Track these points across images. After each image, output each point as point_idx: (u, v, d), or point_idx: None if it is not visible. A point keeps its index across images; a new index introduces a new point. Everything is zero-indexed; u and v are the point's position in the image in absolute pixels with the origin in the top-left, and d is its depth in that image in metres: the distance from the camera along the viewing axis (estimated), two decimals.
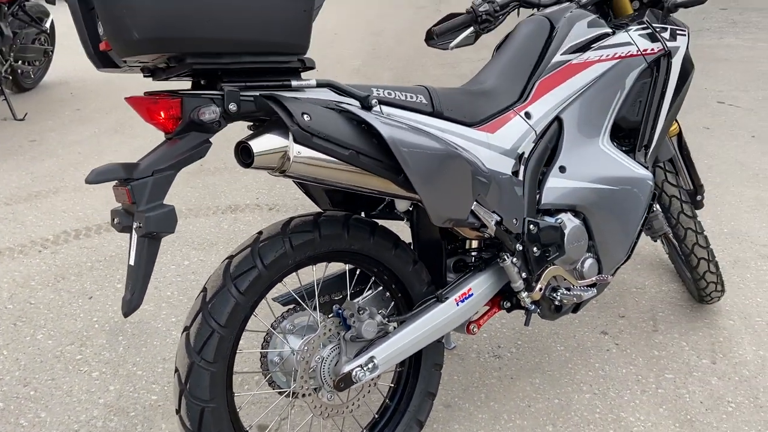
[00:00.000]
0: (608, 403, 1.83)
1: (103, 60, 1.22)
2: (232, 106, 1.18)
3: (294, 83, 1.25)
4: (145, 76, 1.29)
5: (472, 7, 1.78)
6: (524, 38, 1.75)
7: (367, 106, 1.32)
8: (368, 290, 1.57)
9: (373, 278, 1.57)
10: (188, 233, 2.85)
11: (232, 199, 3.22)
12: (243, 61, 1.19)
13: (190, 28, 1.08)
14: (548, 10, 1.82)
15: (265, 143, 1.17)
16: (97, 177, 1.14)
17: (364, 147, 1.24)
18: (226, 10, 1.10)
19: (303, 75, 1.29)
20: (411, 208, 1.62)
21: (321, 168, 1.23)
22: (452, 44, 1.87)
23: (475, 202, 1.42)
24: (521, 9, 1.86)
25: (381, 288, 1.57)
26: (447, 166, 1.33)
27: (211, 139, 1.22)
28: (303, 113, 1.17)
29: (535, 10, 1.86)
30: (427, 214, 1.34)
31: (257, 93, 1.21)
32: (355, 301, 1.51)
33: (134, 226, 1.16)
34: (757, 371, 1.95)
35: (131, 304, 1.19)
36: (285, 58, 1.23)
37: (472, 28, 1.80)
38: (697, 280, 2.11)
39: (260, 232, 1.37)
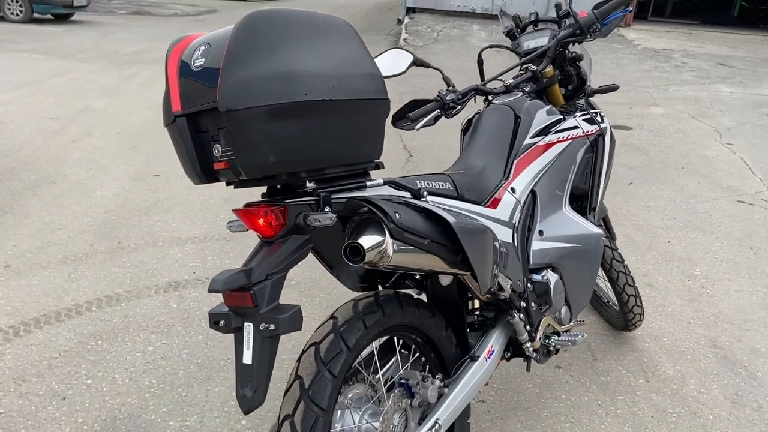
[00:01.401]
0: (585, 428, 2.18)
1: (207, 176, 1.35)
2: (327, 209, 1.36)
3: (368, 183, 1.46)
4: (227, 185, 1.42)
5: (439, 95, 2.05)
6: (495, 124, 2.07)
7: (419, 197, 1.55)
8: (411, 357, 1.77)
9: (413, 345, 1.77)
10: (139, 317, 2.78)
11: (168, 275, 3.18)
12: (338, 171, 1.39)
13: (308, 149, 1.28)
14: (505, 99, 2.16)
15: (369, 241, 1.34)
16: (224, 286, 1.25)
17: (435, 235, 1.47)
18: (332, 133, 1.31)
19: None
20: (425, 280, 1.85)
21: (408, 257, 1.42)
22: (418, 126, 2.16)
23: (497, 270, 1.69)
24: (477, 96, 2.19)
25: (418, 354, 1.77)
26: (487, 243, 1.59)
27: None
28: (395, 212, 1.38)
29: (490, 96, 2.20)
30: (471, 285, 1.59)
31: (347, 196, 1.40)
32: (405, 367, 1.70)
33: (261, 327, 1.28)
34: (681, 384, 2.43)
35: (254, 401, 1.29)
36: (366, 165, 1.45)
37: (437, 112, 2.09)
38: (626, 312, 2.57)
39: (335, 317, 1.51)
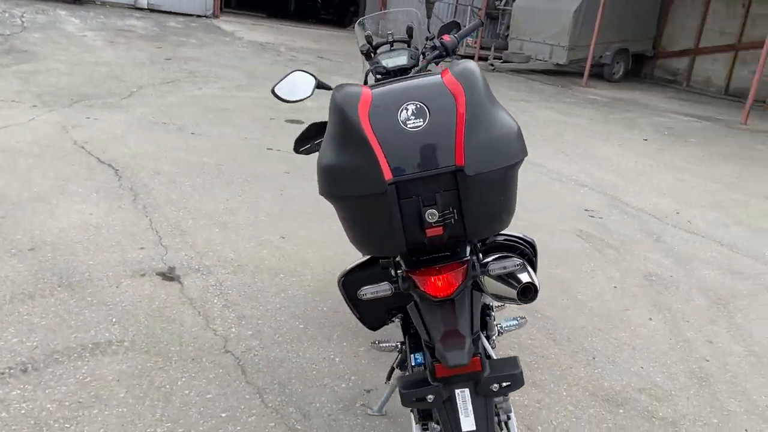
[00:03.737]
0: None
1: (411, 243, 1.23)
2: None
3: None
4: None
5: None
6: None
7: None
8: None
9: None
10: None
11: (95, 335, 2.11)
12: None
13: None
14: None
15: (529, 277, 1.42)
16: (467, 359, 1.20)
17: None
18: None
19: None
20: None
21: None
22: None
23: None
24: None
25: None
26: None
27: None
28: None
29: None
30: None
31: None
32: None
33: (494, 389, 1.25)
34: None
35: None
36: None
37: None
38: None
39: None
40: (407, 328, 1.87)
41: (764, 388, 2.66)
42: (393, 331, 2.33)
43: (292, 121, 6.42)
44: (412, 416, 1.72)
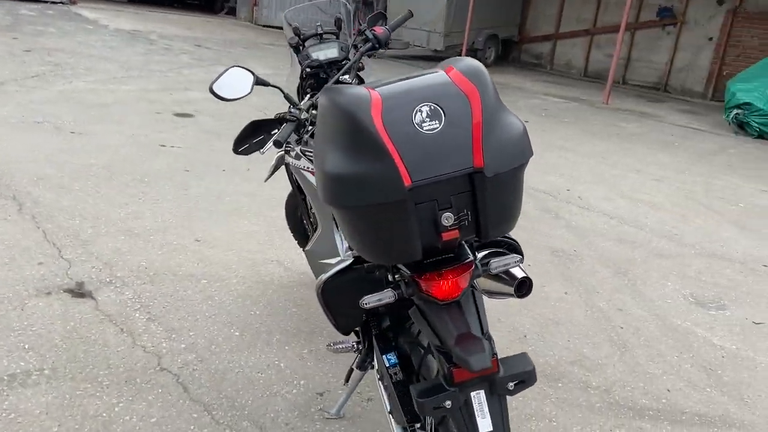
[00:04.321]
0: None
1: (426, 248, 1.21)
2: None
3: None
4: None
5: (292, 114, 2.01)
6: None
7: None
8: None
9: None
10: None
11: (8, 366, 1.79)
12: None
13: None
14: None
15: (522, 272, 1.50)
16: (487, 362, 1.19)
17: None
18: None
19: None
20: None
21: None
22: (265, 148, 2.12)
23: None
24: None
25: None
26: None
27: None
28: None
29: None
30: None
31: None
32: None
33: (510, 387, 1.26)
34: None
35: None
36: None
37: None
38: None
39: None
40: (368, 329, 1.85)
41: (675, 349, 2.92)
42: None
43: (181, 115, 6.09)
44: (391, 419, 1.70)
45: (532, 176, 5.53)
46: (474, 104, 1.14)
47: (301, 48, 2.37)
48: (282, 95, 2.16)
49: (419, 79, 1.19)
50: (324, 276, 1.57)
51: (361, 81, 2.40)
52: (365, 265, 1.53)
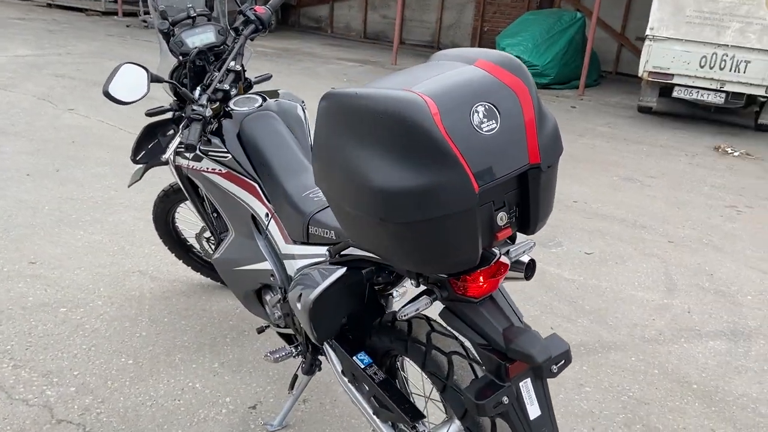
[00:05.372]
0: None
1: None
2: None
3: None
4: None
5: (195, 113, 1.85)
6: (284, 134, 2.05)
7: None
8: None
9: None
10: None
11: None
12: None
13: None
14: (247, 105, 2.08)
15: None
16: (564, 346, 1.25)
17: None
18: None
19: None
20: None
21: None
22: (165, 156, 2.00)
23: None
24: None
25: None
26: None
27: None
28: None
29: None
30: None
31: None
32: None
33: (554, 370, 1.25)
34: None
35: None
36: None
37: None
38: None
39: None
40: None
41: (541, 290, 3.26)
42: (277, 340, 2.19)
43: None
44: (376, 420, 1.66)
45: None
46: (523, 99, 1.12)
47: (172, 34, 2.10)
48: (171, 92, 1.93)
49: (458, 77, 1.11)
50: (318, 288, 1.46)
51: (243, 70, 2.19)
52: (350, 273, 1.46)
